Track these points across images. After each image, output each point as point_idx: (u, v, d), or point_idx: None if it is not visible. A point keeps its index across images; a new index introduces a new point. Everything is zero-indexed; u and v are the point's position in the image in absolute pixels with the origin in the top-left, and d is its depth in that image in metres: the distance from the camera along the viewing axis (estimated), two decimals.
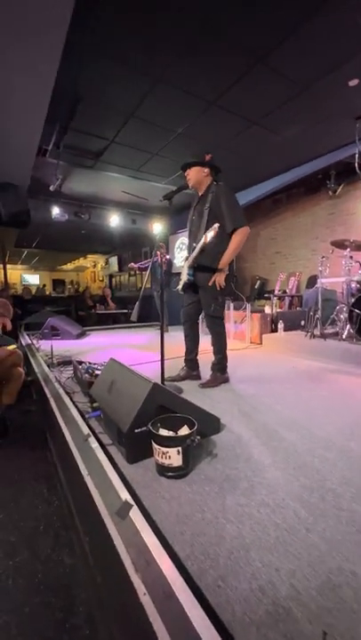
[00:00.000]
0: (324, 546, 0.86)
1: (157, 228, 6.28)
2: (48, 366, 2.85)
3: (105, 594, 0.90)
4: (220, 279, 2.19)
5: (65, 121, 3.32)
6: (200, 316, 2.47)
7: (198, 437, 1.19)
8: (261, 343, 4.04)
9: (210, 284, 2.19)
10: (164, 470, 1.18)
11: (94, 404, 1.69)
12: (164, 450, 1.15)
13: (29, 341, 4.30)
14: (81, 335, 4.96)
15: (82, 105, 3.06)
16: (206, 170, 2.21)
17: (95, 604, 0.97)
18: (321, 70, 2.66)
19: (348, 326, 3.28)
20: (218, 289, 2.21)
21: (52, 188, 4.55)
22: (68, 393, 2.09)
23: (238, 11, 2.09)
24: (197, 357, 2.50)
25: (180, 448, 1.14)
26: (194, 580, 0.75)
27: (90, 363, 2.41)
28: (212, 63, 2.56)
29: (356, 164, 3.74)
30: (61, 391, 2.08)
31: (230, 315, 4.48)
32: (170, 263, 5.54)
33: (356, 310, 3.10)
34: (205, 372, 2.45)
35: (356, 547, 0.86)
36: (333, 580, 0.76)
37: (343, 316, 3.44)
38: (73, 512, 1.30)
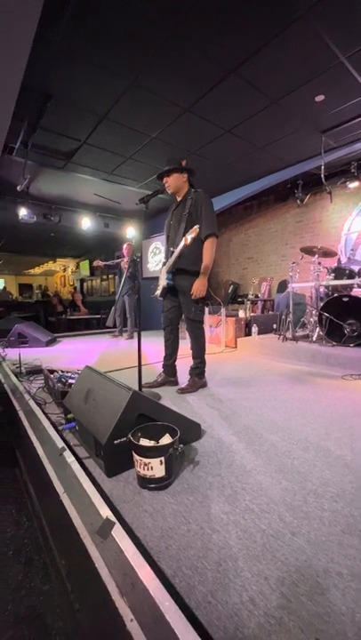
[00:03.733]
0: (309, 549, 0.86)
1: (131, 232, 6.20)
2: (16, 376, 2.68)
3: (85, 622, 0.83)
4: (199, 286, 2.14)
5: (34, 118, 3.19)
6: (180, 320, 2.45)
7: (181, 446, 1.16)
8: (236, 347, 4.10)
9: (192, 292, 2.15)
10: (145, 482, 1.13)
11: (69, 415, 1.60)
12: (146, 461, 1.10)
13: None
14: (51, 342, 4.74)
15: (52, 103, 2.94)
16: (185, 175, 2.23)
17: (72, 634, 0.90)
18: (290, 84, 2.78)
19: (317, 329, 3.42)
20: (198, 297, 2.16)
21: (19, 188, 4.33)
22: (39, 404, 1.96)
23: (211, 22, 2.14)
24: (175, 363, 2.47)
25: (162, 458, 1.10)
26: (183, 598, 0.71)
27: (62, 371, 2.29)
28: (187, 70, 2.58)
29: (322, 176, 3.95)
30: (32, 402, 1.96)
31: (206, 319, 4.51)
32: (136, 263, 4.49)
33: (325, 314, 3.25)
34: (183, 377, 2.42)
35: (340, 547, 0.87)
36: (321, 583, 0.76)
37: (313, 319, 3.59)
38: (47, 533, 1.21)
